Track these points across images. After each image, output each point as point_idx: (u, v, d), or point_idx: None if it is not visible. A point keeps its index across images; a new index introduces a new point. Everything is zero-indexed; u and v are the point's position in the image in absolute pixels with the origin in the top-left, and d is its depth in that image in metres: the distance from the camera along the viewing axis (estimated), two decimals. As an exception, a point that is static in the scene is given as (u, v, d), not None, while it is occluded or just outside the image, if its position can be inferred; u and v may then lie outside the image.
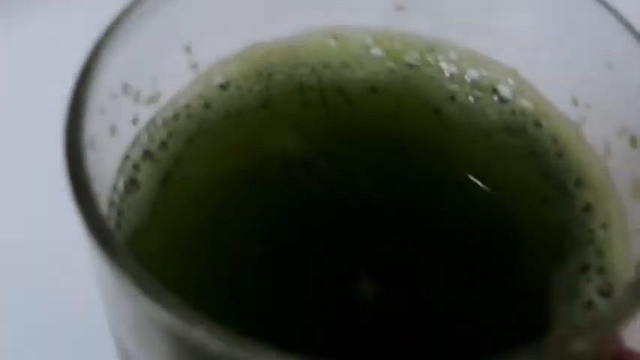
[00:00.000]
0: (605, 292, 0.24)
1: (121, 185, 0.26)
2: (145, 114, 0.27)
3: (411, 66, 0.29)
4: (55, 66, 0.33)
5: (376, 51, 0.30)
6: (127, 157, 0.27)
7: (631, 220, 0.25)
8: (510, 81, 0.29)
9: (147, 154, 0.27)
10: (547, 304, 0.25)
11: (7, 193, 0.39)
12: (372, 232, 0.26)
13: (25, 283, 0.36)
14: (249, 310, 0.25)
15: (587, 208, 0.26)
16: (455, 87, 0.29)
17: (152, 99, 0.27)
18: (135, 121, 0.27)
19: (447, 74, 0.29)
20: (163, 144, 0.27)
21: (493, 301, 0.25)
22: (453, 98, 0.29)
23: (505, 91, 0.29)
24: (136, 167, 0.27)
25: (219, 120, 0.28)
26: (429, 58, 0.29)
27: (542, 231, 0.26)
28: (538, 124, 0.28)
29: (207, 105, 0.28)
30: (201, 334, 0.19)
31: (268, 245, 0.26)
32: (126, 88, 0.26)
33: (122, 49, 0.24)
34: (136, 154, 0.27)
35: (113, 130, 0.25)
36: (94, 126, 0.23)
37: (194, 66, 0.28)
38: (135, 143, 0.27)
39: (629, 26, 0.24)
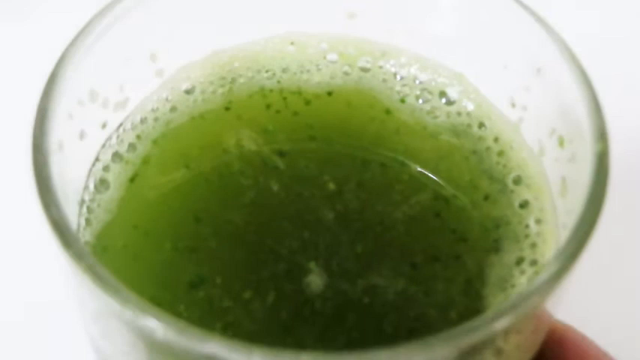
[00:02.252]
0: (535, 282, 0.26)
1: (91, 185, 0.28)
2: (114, 119, 0.29)
3: (364, 69, 0.31)
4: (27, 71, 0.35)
5: (332, 56, 0.32)
6: (97, 159, 0.29)
7: (560, 216, 0.27)
8: (456, 84, 0.31)
9: (116, 156, 0.29)
10: (484, 294, 0.27)
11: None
12: (325, 223, 0.28)
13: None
14: (204, 297, 0.27)
15: (525, 204, 0.28)
16: (405, 89, 0.31)
17: (120, 105, 0.29)
18: (104, 126, 0.29)
19: (397, 77, 0.31)
20: (132, 146, 0.29)
21: (434, 289, 0.27)
22: (403, 100, 0.31)
23: (452, 93, 0.31)
24: (105, 168, 0.29)
25: (184, 122, 0.30)
26: (381, 62, 0.31)
27: (483, 225, 0.28)
28: (481, 125, 0.30)
29: (173, 108, 0.30)
30: (151, 324, 0.21)
31: (227, 237, 0.28)
32: (94, 95, 0.28)
33: (88, 58, 0.26)
34: (106, 156, 0.29)
35: (82, 135, 0.27)
36: (61, 131, 0.25)
37: (160, 72, 0.30)
38: (105, 146, 0.29)
39: (555, 35, 0.26)
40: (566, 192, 0.26)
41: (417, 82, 0.31)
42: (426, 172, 0.29)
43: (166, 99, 0.30)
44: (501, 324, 0.21)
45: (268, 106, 0.31)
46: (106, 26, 0.27)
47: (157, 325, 0.21)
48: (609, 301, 0.39)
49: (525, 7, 0.27)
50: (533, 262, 0.27)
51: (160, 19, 0.29)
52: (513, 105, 0.29)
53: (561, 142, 0.27)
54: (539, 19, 0.26)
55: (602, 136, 0.24)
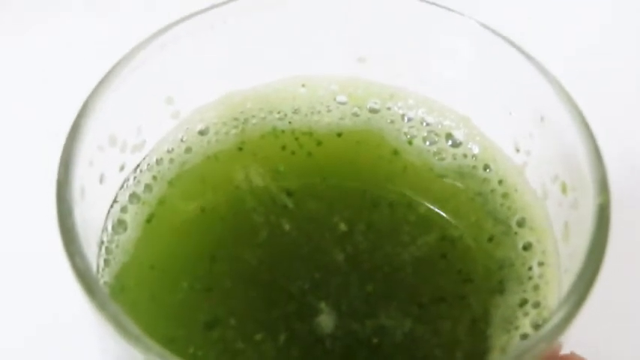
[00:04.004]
0: (539, 325, 0.27)
1: (109, 226, 0.29)
2: (131, 161, 0.30)
3: (373, 111, 0.32)
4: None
5: (341, 97, 0.33)
6: (115, 201, 0.30)
7: (562, 259, 0.28)
8: (462, 127, 0.32)
9: (133, 197, 0.30)
10: (488, 334, 0.28)
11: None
12: (334, 264, 0.29)
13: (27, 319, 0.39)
14: (219, 337, 0.28)
15: (528, 246, 0.29)
16: (413, 131, 0.32)
17: (137, 147, 0.30)
18: (122, 168, 0.30)
19: (405, 119, 0.32)
20: (148, 187, 0.30)
21: (440, 329, 0.28)
22: (410, 142, 0.32)
23: (458, 135, 0.32)
24: (123, 209, 0.30)
25: (198, 163, 0.31)
26: (390, 104, 0.32)
27: (487, 266, 0.29)
28: (487, 167, 0.31)
29: (187, 149, 0.31)
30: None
31: (241, 277, 0.29)
32: (113, 139, 0.29)
33: (108, 105, 0.27)
34: (123, 197, 0.30)
35: (102, 179, 0.28)
36: (83, 178, 0.26)
37: (176, 114, 0.31)
38: (122, 187, 0.30)
39: (558, 86, 0.27)
40: (569, 237, 0.27)
41: (424, 124, 0.32)
42: (433, 214, 0.30)
43: (181, 140, 0.31)
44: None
45: (283, 147, 0.32)
46: (126, 74, 0.28)
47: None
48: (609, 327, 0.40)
49: (530, 58, 0.28)
50: (536, 305, 0.28)
51: (176, 64, 0.29)
52: (517, 150, 0.30)
53: (564, 189, 0.28)
54: (544, 71, 0.27)
55: (603, 188, 0.25)
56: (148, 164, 0.31)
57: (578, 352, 0.29)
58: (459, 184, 0.31)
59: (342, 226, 0.30)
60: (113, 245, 0.29)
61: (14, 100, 0.48)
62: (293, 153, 0.32)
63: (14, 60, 0.50)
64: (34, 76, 0.48)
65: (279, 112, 0.32)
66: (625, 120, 0.45)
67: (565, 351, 0.29)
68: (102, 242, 0.29)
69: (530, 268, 0.29)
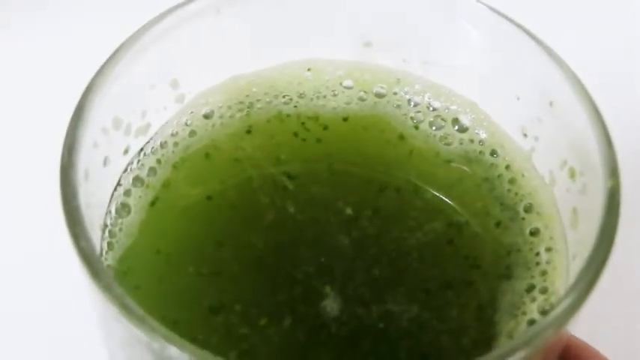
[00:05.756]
0: (546, 311, 0.27)
1: (113, 209, 0.29)
2: (135, 144, 0.30)
3: (379, 95, 0.32)
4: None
5: (347, 82, 0.32)
6: (119, 184, 0.29)
7: (570, 245, 0.27)
8: (469, 112, 0.31)
9: (137, 180, 0.30)
10: (495, 320, 0.28)
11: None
12: (337, 250, 0.29)
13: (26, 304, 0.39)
14: (223, 322, 0.27)
15: (536, 232, 0.29)
16: (419, 116, 0.32)
17: (142, 130, 0.30)
18: (126, 151, 0.29)
19: (411, 104, 0.32)
20: (152, 170, 0.30)
21: (447, 315, 0.28)
22: (417, 126, 0.32)
23: (465, 121, 0.31)
24: (127, 193, 0.29)
25: (203, 146, 0.31)
26: (396, 89, 0.32)
27: (495, 252, 0.29)
28: (494, 153, 0.31)
29: (192, 133, 0.31)
30: (175, 353, 0.22)
31: (246, 261, 0.29)
32: (117, 122, 0.28)
33: (114, 88, 0.27)
34: (127, 180, 0.30)
35: (106, 162, 0.28)
36: (87, 161, 0.26)
37: (180, 98, 0.31)
38: (126, 171, 0.30)
39: (568, 71, 0.27)
40: (577, 222, 0.27)
41: (431, 109, 0.32)
42: (439, 199, 0.30)
43: (186, 123, 0.31)
44: (518, 356, 0.22)
45: (289, 131, 0.32)
46: (131, 56, 0.27)
47: (183, 356, 0.22)
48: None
49: (540, 42, 0.27)
50: (544, 290, 0.28)
51: (181, 47, 0.29)
52: (525, 135, 0.30)
53: (572, 174, 0.27)
54: (554, 55, 0.27)
55: (613, 172, 0.25)
56: (152, 148, 0.30)
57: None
58: (465, 170, 0.31)
59: (348, 211, 0.30)
60: (116, 229, 0.29)
61: (18, 83, 0.47)
62: (299, 137, 0.32)
63: (19, 43, 0.50)
64: (38, 59, 0.48)
65: (284, 97, 0.32)
66: (635, 104, 0.45)
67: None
68: (105, 225, 0.29)
69: (537, 254, 0.28)
